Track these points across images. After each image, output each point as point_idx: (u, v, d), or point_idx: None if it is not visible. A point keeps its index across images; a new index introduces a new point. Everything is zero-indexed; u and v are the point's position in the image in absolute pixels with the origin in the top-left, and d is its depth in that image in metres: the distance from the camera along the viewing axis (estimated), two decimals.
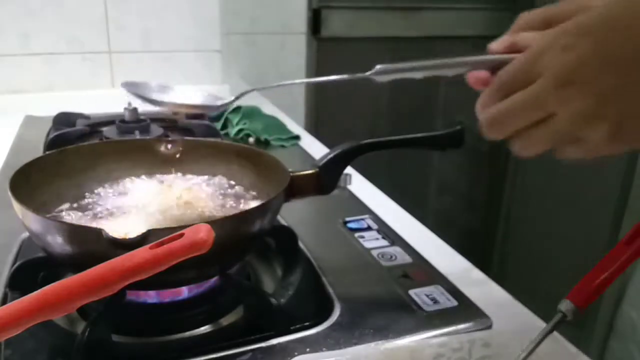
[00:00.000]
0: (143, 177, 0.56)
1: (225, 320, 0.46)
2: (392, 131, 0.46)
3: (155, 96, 0.46)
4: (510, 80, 0.33)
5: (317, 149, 0.91)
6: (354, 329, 0.44)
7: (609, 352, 0.99)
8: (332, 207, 0.65)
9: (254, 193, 0.54)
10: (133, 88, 0.46)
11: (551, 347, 0.38)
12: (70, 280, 0.24)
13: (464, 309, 0.47)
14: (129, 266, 0.24)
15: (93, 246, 0.38)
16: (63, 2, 1.09)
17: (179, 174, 0.57)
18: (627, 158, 1.25)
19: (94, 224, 0.48)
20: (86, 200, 0.52)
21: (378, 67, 0.40)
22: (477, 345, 0.37)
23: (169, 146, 0.58)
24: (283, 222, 0.60)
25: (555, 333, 0.43)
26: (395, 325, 0.44)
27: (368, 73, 0.39)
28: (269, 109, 1.09)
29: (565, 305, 0.37)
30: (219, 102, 0.47)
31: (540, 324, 0.47)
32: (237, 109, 0.97)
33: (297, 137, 0.95)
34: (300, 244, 0.55)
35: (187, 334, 0.44)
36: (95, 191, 0.54)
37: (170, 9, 1.16)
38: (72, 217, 0.49)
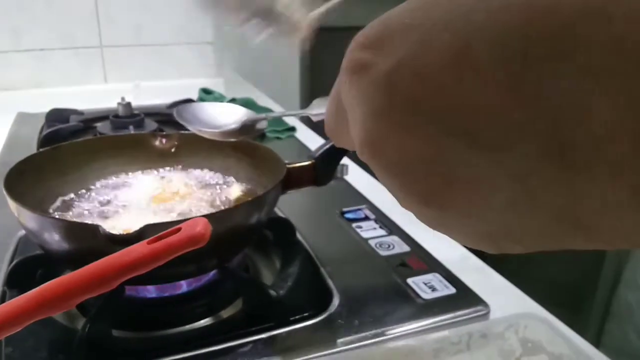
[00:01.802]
0: (138, 172, 0.56)
1: (225, 313, 0.46)
2: None
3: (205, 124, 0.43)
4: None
5: (313, 141, 0.91)
6: (353, 319, 0.44)
7: (606, 335, 1.00)
8: (329, 197, 0.65)
9: (251, 185, 0.54)
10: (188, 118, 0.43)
11: (547, 331, 0.38)
12: (69, 277, 0.24)
13: (462, 296, 0.47)
14: (127, 261, 0.24)
15: (90, 242, 0.38)
16: None
17: (175, 168, 0.57)
18: None
19: (90, 220, 0.48)
20: (82, 197, 0.52)
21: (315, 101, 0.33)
22: (474, 337, 0.38)
23: (164, 140, 0.57)
24: (280, 213, 0.60)
25: (551, 317, 0.44)
26: (394, 314, 0.44)
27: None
28: (263, 101, 1.08)
29: None
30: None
31: (537, 308, 0.47)
32: (232, 101, 0.97)
33: (292, 129, 0.95)
34: (298, 236, 0.55)
35: (187, 327, 0.44)
36: (91, 187, 0.53)
37: (161, 2, 1.15)
38: (68, 213, 0.49)
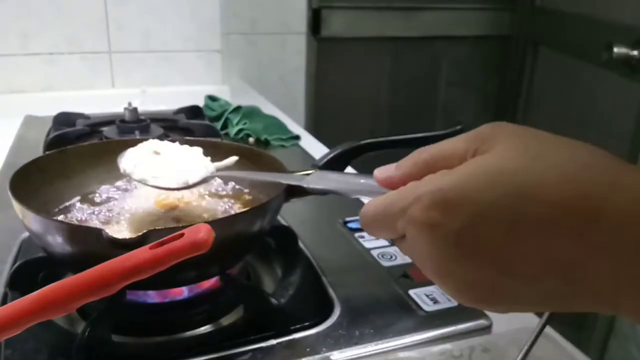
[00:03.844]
0: None
1: (226, 320, 0.46)
2: (392, 131, 0.45)
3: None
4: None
5: (317, 149, 0.91)
6: (354, 329, 0.44)
7: (609, 353, 0.99)
8: (332, 207, 0.65)
9: (254, 193, 0.54)
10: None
11: (550, 348, 0.38)
12: (70, 280, 0.24)
13: (464, 309, 0.47)
14: (129, 266, 0.24)
15: (93, 246, 0.38)
16: (63, 2, 1.09)
17: None
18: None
19: (94, 224, 0.48)
20: (86, 200, 0.52)
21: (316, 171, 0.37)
22: (476, 351, 0.38)
23: None
24: (283, 222, 0.60)
25: (555, 334, 0.44)
26: (396, 325, 0.44)
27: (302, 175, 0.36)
28: (268, 109, 1.09)
29: None
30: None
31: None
32: (237, 108, 0.97)
33: (297, 137, 0.95)
34: (300, 244, 0.55)
35: (188, 333, 0.44)
36: (95, 191, 0.54)
37: (170, 9, 1.16)
38: (72, 217, 0.49)
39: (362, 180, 0.31)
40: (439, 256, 0.25)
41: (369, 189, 0.30)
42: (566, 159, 0.23)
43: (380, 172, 0.30)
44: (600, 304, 0.23)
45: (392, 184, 0.28)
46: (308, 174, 0.37)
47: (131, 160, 0.46)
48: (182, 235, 0.25)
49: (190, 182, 0.44)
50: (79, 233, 0.40)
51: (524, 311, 0.26)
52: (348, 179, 0.34)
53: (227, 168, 0.47)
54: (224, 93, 1.17)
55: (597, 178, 0.23)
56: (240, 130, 0.93)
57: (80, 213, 0.50)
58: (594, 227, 0.22)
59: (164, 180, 0.44)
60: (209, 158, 0.48)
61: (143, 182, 0.45)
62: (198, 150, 0.48)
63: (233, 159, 0.47)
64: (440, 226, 0.24)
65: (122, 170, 0.46)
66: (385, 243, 0.58)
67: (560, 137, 0.25)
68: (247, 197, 0.54)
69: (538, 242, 0.23)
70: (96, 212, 0.50)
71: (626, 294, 0.22)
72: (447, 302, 0.47)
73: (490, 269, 0.24)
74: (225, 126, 0.96)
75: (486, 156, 0.25)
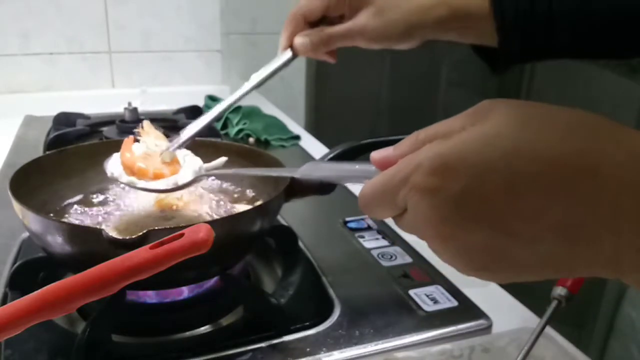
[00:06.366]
0: None
1: (225, 320, 0.46)
2: (392, 131, 0.45)
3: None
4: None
5: (317, 149, 0.91)
6: (354, 329, 0.44)
7: (609, 352, 0.99)
8: (332, 207, 0.65)
9: (254, 193, 0.54)
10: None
11: (550, 348, 0.38)
12: (70, 280, 0.24)
13: (464, 309, 0.47)
14: (129, 266, 0.24)
15: (93, 246, 0.38)
16: (63, 2, 1.09)
17: None
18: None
19: (93, 224, 0.48)
20: (86, 200, 0.52)
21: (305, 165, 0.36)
22: (476, 351, 0.38)
23: None
24: (283, 222, 0.60)
25: (555, 334, 0.44)
26: (395, 326, 0.44)
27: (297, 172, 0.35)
28: (269, 109, 1.09)
29: (558, 292, 0.37)
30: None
31: None
32: (237, 108, 0.97)
33: (297, 137, 0.95)
34: (301, 244, 0.55)
35: (187, 334, 0.44)
36: (95, 191, 0.54)
37: (170, 9, 1.16)
38: (72, 217, 0.49)
39: (357, 167, 0.31)
40: (440, 220, 0.25)
41: (364, 174, 0.29)
42: (562, 119, 0.23)
43: (377, 153, 0.29)
44: (602, 267, 0.23)
45: (389, 164, 0.27)
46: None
47: (118, 163, 0.45)
48: (182, 235, 0.25)
49: (180, 182, 0.44)
50: (78, 233, 0.40)
51: (525, 278, 0.25)
52: (342, 166, 0.33)
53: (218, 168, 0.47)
54: (224, 93, 1.17)
55: (594, 134, 0.22)
56: (240, 130, 0.93)
57: (80, 213, 0.50)
58: (592, 182, 0.21)
59: (152, 182, 0.44)
60: (198, 158, 0.47)
61: (131, 185, 0.44)
62: (186, 152, 0.47)
63: (222, 159, 0.46)
64: (441, 190, 0.24)
65: (109, 174, 0.45)
66: (386, 243, 0.58)
67: (556, 106, 0.25)
68: (247, 197, 0.54)
69: (536, 200, 0.22)
70: (96, 212, 0.50)
71: (629, 251, 0.21)
72: (447, 302, 0.47)
73: (490, 230, 0.24)
74: (225, 126, 0.96)
75: (483, 123, 0.25)
